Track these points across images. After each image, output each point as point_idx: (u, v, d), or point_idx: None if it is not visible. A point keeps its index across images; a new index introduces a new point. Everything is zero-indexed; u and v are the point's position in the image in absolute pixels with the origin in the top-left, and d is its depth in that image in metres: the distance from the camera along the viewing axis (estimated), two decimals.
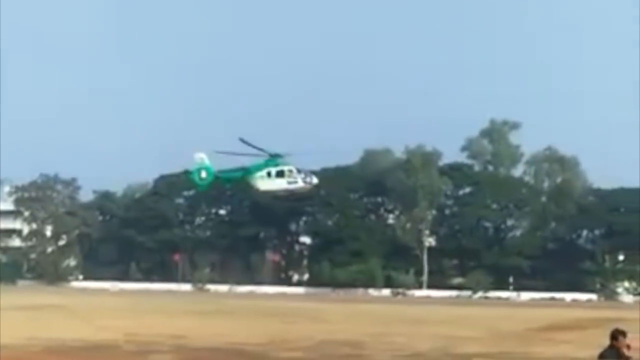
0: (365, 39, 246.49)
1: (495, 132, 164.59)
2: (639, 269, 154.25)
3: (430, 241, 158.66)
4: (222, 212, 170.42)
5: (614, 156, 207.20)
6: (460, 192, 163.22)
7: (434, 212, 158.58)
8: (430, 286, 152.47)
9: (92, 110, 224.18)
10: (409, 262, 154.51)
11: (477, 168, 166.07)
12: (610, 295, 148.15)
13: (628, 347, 17.58)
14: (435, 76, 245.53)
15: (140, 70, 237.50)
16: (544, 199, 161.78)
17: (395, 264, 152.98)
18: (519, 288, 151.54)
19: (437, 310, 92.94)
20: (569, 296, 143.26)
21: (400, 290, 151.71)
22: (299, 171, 53.91)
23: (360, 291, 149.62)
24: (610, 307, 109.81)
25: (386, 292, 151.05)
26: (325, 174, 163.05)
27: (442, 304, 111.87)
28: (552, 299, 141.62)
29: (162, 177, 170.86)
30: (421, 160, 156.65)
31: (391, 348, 45.24)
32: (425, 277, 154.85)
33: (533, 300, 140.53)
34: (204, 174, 53.08)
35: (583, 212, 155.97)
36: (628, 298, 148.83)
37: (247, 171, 53.86)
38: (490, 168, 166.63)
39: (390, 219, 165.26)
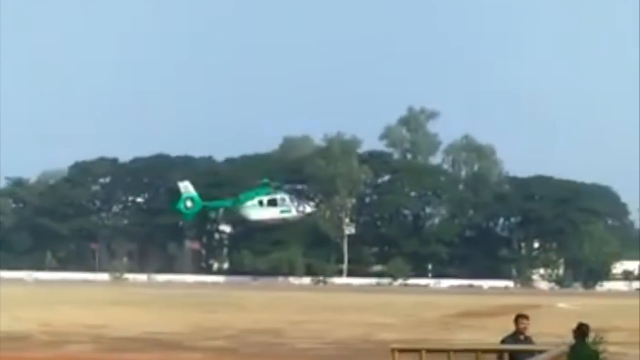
0: (284, 27, 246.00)
1: (414, 121, 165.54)
2: (554, 256, 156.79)
3: (350, 229, 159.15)
4: (139, 200, 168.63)
5: (529, 145, 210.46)
6: (380, 181, 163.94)
7: (354, 200, 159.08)
8: (351, 274, 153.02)
9: (5, 96, 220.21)
10: (330, 251, 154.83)
11: (396, 156, 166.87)
12: (527, 282, 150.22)
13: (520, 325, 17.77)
14: (355, 64, 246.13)
15: (62, 57, 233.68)
16: (461, 187, 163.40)
17: (316, 252, 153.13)
18: (438, 275, 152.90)
19: (358, 298, 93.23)
20: (486, 283, 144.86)
21: (321, 278, 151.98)
22: (292, 200, 52.76)
23: (281, 280, 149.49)
24: (527, 294, 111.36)
25: (307, 280, 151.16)
26: (244, 162, 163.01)
27: (362, 292, 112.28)
28: (471, 286, 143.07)
29: (78, 165, 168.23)
30: (340, 148, 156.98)
31: (312, 336, 45.16)
32: (345, 265, 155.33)
33: (452, 287, 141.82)
34: (190, 204, 51.12)
35: (500, 200, 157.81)
36: (544, 285, 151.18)
37: (237, 200, 52.39)
38: (409, 156, 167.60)
39: (310, 207, 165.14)
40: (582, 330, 17.25)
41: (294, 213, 52.32)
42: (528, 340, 17.42)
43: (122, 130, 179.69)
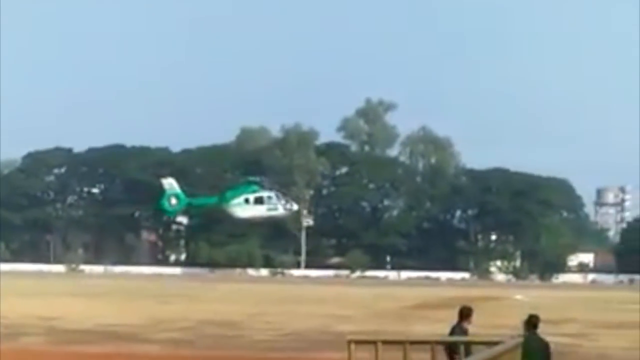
0: (241, 19, 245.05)
1: (371, 113, 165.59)
2: (510, 248, 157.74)
3: (308, 221, 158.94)
4: (95, 190, 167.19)
5: (486, 137, 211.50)
6: (337, 172, 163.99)
7: (311, 192, 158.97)
8: (309, 266, 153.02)
9: None
10: (288, 242, 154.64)
11: (353, 148, 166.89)
12: (483, 274, 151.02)
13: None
14: (312, 55, 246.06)
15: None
16: (419, 179, 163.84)
17: (274, 243, 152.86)
18: (396, 267, 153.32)
19: (315, 289, 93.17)
20: (444, 275, 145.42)
21: (278, 270, 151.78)
22: (278, 197, 52.21)
23: (238, 271, 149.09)
24: (484, 286, 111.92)
25: (265, 272, 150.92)
26: (201, 153, 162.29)
27: (320, 284, 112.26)
28: (428, 278, 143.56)
29: (31, 154, 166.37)
30: (298, 139, 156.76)
31: (269, 328, 44.99)
32: (303, 257, 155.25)
33: (409, 279, 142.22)
34: (174, 201, 50.24)
35: (457, 192, 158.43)
36: (501, 277, 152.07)
37: (223, 198, 51.70)
38: (367, 148, 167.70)
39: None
40: (532, 322, 17.33)
41: (280, 210, 51.99)
42: (466, 333, 17.57)
43: (77, 120, 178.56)
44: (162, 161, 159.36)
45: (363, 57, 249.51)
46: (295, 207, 54.49)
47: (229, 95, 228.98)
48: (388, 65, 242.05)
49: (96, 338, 38.62)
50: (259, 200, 50.32)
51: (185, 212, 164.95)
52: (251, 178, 51.84)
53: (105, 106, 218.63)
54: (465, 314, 18.01)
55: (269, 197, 50.94)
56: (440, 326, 43.86)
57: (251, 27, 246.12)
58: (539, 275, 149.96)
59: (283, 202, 52.39)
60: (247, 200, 50.14)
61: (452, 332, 17.80)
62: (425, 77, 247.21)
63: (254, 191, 50.87)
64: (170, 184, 50.38)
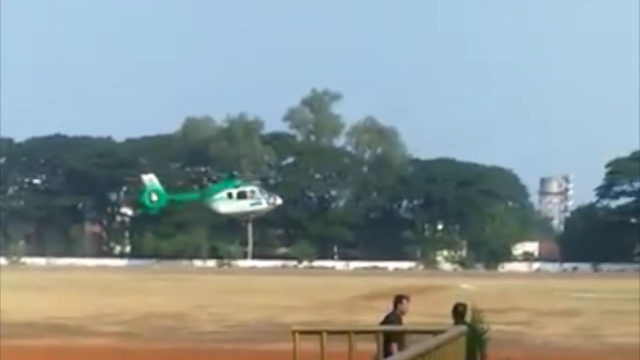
0: (187, 10, 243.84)
1: (317, 102, 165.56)
2: (457, 238, 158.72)
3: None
4: (36, 181, 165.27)
5: (431, 128, 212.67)
6: (284, 162, 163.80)
7: (257, 182, 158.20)
8: (256, 256, 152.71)
9: None
10: (234, 233, 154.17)
11: (299, 138, 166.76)
12: (430, 263, 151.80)
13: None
14: (257, 44, 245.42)
15: None
16: (365, 169, 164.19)
17: (220, 234, 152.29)
18: (343, 257, 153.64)
19: (263, 280, 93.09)
20: (391, 265, 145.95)
21: (225, 261, 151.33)
22: (261, 191, 51.66)
23: (185, 263, 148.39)
24: (430, 276, 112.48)
25: (212, 263, 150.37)
26: (145, 143, 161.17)
27: (267, 274, 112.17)
28: (375, 267, 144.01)
29: None
30: (243, 129, 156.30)
31: (216, 319, 44.83)
32: (250, 248, 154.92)
33: (356, 269, 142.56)
34: (154, 197, 49.33)
35: (403, 182, 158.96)
36: (447, 266, 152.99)
37: (205, 193, 51.03)
38: (313, 138, 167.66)
39: None
40: (458, 310, 17.40)
41: (264, 205, 51.67)
42: (401, 321, 17.63)
43: (18, 109, 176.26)
44: (104, 151, 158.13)
45: (308, 46, 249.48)
46: (279, 200, 54.32)
47: (174, 85, 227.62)
48: (333, 55, 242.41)
49: (41, 331, 38.18)
50: (242, 195, 50.06)
51: (129, 203, 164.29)
52: (233, 173, 51.46)
53: (46, 96, 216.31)
54: (400, 301, 17.99)
55: (252, 192, 50.75)
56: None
57: (195, 17, 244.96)
58: (485, 264, 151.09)
59: (266, 196, 52.21)
60: (230, 195, 49.87)
61: (387, 321, 17.80)
62: (370, 67, 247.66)
63: (236, 186, 50.59)
64: (150, 179, 49.72)
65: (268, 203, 52.09)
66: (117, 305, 52.43)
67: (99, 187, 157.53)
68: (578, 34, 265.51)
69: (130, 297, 61.18)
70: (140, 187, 50.22)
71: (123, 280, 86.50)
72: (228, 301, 57.41)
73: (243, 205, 50.49)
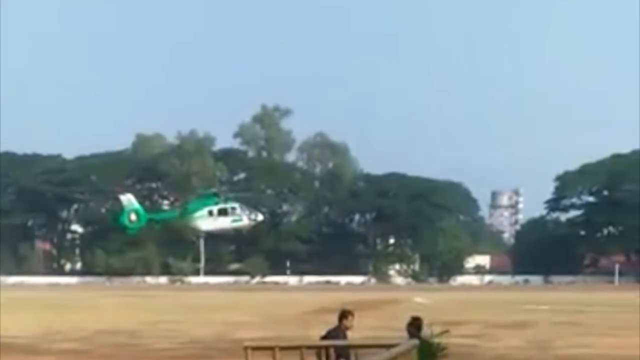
0: (135, 24, 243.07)
1: (267, 118, 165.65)
2: (409, 251, 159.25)
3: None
4: None
5: (382, 142, 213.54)
6: (235, 178, 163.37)
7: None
8: (208, 272, 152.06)
9: None
10: (186, 249, 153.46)
11: (250, 154, 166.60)
12: (383, 277, 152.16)
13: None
14: (206, 61, 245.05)
15: None
16: (317, 184, 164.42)
17: (172, 251, 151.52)
18: (296, 272, 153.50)
19: (215, 296, 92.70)
20: (343, 279, 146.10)
21: (177, 277, 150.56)
22: (242, 208, 51.13)
23: (136, 279, 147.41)
24: (383, 289, 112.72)
25: (164, 279, 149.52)
26: (95, 160, 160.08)
27: (220, 290, 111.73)
28: (328, 282, 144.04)
29: None
30: (194, 145, 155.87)
31: (168, 335, 44.58)
32: (202, 264, 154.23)
33: (309, 284, 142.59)
34: (133, 217, 48.58)
35: (354, 196, 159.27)
36: (400, 280, 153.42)
37: (185, 211, 50.45)
38: (264, 154, 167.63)
39: (165, 206, 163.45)
40: (415, 324, 17.45)
41: (245, 221, 51.35)
42: (346, 336, 17.70)
43: None
44: (54, 169, 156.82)
45: (257, 62, 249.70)
46: (260, 217, 54.08)
47: (124, 102, 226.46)
48: (283, 71, 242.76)
49: None
50: (223, 212, 49.76)
51: (80, 220, 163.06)
52: (212, 190, 51.15)
53: None
54: (345, 316, 18.07)
55: (233, 209, 50.46)
56: None
57: (143, 33, 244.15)
58: (437, 278, 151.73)
59: (247, 212, 51.92)
60: (210, 213, 49.49)
61: (330, 335, 17.81)
62: (321, 82, 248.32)
63: (216, 203, 50.26)
64: (128, 199, 49.18)
65: (249, 219, 51.90)
66: (69, 323, 51.95)
67: (49, 204, 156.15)
68: (527, 47, 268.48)
69: (82, 315, 60.63)
70: (119, 207, 49.63)
71: (75, 298, 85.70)
72: (181, 318, 57.09)
73: (224, 222, 50.27)
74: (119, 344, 40.61)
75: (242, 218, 50.94)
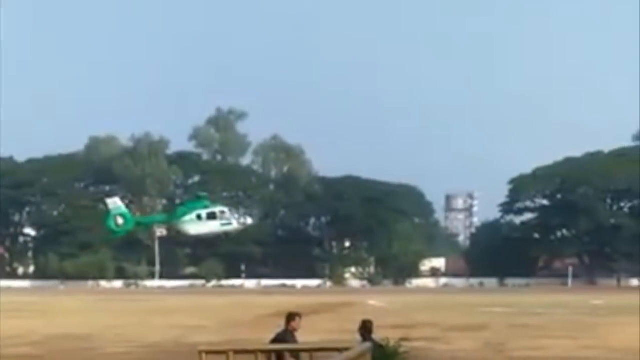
0: (89, 24, 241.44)
1: (222, 121, 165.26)
2: (364, 254, 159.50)
3: (161, 231, 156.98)
4: None
5: (337, 146, 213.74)
6: (190, 181, 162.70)
7: (164, 201, 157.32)
8: (164, 276, 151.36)
9: None
10: (141, 253, 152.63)
11: (205, 157, 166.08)
12: (339, 280, 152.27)
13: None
14: (161, 63, 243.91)
15: None
16: (272, 187, 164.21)
17: (127, 254, 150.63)
18: (252, 276, 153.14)
19: (170, 300, 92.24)
20: (300, 282, 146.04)
21: (132, 281, 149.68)
22: (231, 211, 50.60)
23: (91, 283, 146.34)
24: (339, 292, 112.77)
25: (118, 283, 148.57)
26: (48, 163, 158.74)
27: (175, 294, 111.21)
28: (284, 285, 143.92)
29: None
30: (148, 148, 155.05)
31: (123, 340, 44.26)
32: (157, 268, 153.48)
33: (265, 287, 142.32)
34: (120, 221, 47.81)
35: (310, 200, 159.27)
36: (356, 283, 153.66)
37: (172, 215, 49.78)
38: (219, 157, 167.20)
39: None
40: (366, 327, 17.50)
41: (235, 225, 50.94)
42: (295, 340, 17.78)
43: None
44: (6, 171, 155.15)
45: (212, 65, 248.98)
46: (249, 220, 53.85)
47: (76, 103, 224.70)
48: (238, 73, 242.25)
49: None
50: (211, 216, 49.32)
51: (32, 224, 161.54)
52: (201, 194, 50.84)
53: None
54: (292, 318, 18.25)
55: (222, 212, 50.08)
56: (297, 333, 43.85)
57: (98, 34, 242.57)
58: (393, 281, 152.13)
59: (236, 216, 51.64)
60: (199, 217, 49.08)
61: (279, 339, 17.86)
62: (276, 85, 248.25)
63: (205, 207, 49.87)
64: (114, 203, 48.54)
65: (239, 223, 51.72)
66: (22, 327, 51.39)
67: (1, 207, 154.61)
68: (480, 51, 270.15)
69: (36, 319, 60.04)
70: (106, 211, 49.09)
71: (28, 302, 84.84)
72: (135, 322, 56.73)
73: (213, 226, 49.85)
74: (73, 348, 40.26)
75: (231, 222, 50.66)
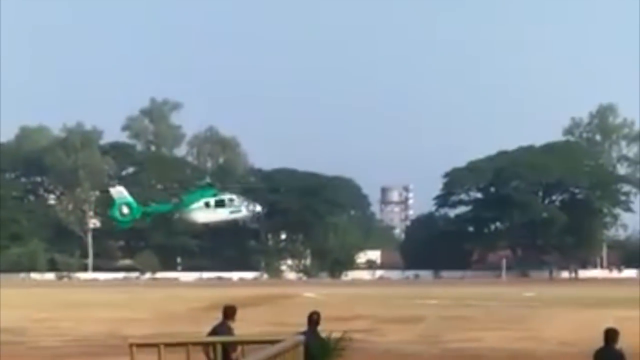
0: (21, 10, 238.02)
1: (156, 112, 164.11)
2: (300, 247, 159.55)
3: (94, 222, 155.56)
4: None
5: (272, 137, 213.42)
6: (124, 172, 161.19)
7: (97, 192, 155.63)
8: (97, 268, 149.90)
9: None
10: (74, 244, 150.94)
11: (139, 148, 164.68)
12: (275, 273, 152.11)
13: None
14: (94, 54, 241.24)
15: None
16: (207, 179, 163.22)
17: (59, 246, 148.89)
18: (187, 268, 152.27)
19: (103, 293, 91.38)
20: (235, 275, 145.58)
21: (64, 273, 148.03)
22: (240, 199, 49.65)
23: (22, 276, 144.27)
24: (275, 285, 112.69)
25: (50, 275, 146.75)
26: None
27: (108, 287, 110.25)
28: (220, 278, 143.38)
29: None
30: (81, 138, 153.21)
31: (55, 333, 43.68)
32: (90, 260, 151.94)
33: (201, 280, 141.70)
34: (126, 210, 46.59)
35: (246, 192, 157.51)
36: (292, 275, 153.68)
37: (180, 204, 48.85)
38: (153, 148, 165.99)
39: (52, 200, 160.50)
40: (313, 319, 17.50)
41: (244, 212, 50.35)
42: (231, 331, 17.87)
43: None
44: None
45: (147, 55, 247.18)
46: (258, 207, 53.18)
47: (6, 92, 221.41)
48: (173, 63, 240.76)
49: None
50: (220, 204, 48.68)
51: None
52: (208, 181, 50.14)
53: None
54: (229, 312, 18.28)
55: (231, 200, 49.45)
56: (232, 326, 43.54)
57: (31, 20, 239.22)
58: (329, 273, 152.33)
59: (245, 203, 50.93)
60: (207, 204, 48.36)
61: (216, 331, 17.78)
62: (211, 76, 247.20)
63: (214, 194, 49.14)
64: (119, 192, 47.74)
65: (248, 210, 51.13)
66: None
67: None
68: (415, 45, 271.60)
69: None
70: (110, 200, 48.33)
71: None
72: (68, 315, 56.01)
73: (222, 214, 49.40)
74: (4, 342, 39.49)
75: (240, 209, 50.07)
